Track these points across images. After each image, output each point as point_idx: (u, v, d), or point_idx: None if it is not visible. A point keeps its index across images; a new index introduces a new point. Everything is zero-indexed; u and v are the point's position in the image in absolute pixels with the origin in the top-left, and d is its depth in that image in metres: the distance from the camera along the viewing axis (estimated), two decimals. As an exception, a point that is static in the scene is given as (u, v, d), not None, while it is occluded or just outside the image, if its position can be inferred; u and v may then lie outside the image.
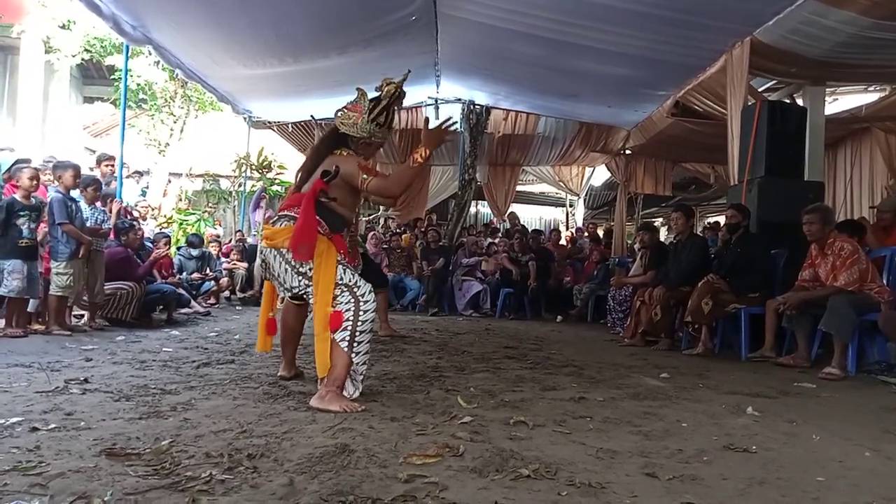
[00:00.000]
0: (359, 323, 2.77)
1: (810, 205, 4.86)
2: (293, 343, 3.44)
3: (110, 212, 6.32)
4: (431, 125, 3.06)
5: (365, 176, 2.91)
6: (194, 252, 8.65)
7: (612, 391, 3.40)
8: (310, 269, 2.85)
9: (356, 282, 2.84)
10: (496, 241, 10.52)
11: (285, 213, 3.01)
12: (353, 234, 3.46)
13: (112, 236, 6.32)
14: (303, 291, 2.92)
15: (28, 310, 5.27)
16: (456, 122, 3.14)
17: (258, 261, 3.17)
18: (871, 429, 2.71)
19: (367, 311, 2.80)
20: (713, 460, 2.14)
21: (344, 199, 3.02)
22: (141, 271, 6.35)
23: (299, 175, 3.18)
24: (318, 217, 2.88)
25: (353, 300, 2.78)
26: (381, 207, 13.37)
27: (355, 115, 3.05)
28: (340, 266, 2.85)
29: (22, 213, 5.08)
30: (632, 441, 2.36)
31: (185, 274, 8.26)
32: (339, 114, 3.11)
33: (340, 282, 2.81)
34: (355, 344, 2.75)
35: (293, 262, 2.87)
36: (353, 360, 2.76)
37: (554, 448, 2.22)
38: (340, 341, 2.75)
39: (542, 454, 2.13)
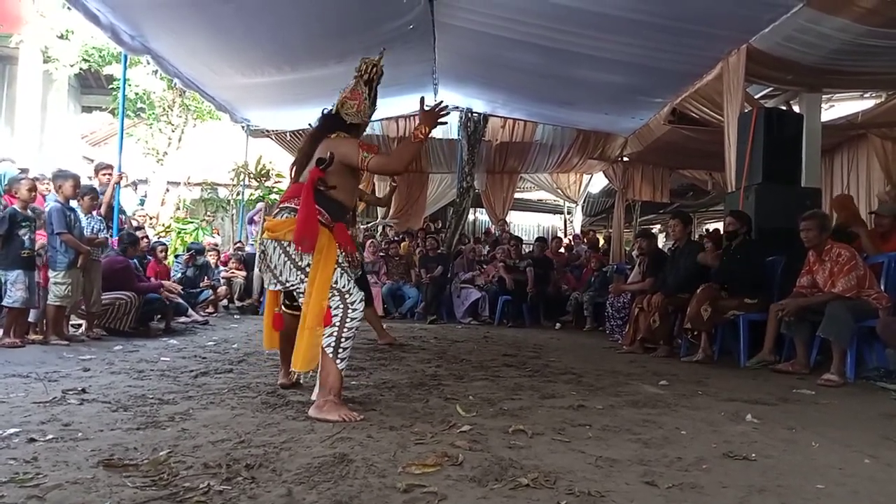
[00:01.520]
0: (345, 330, 2.78)
1: (807, 211, 4.87)
2: (291, 351, 3.43)
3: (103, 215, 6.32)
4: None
5: (366, 154, 2.92)
6: (198, 261, 8.63)
7: (611, 399, 3.40)
8: (308, 265, 2.86)
9: (349, 289, 2.84)
10: (496, 250, 10.52)
11: (285, 204, 3.02)
12: (351, 221, 3.47)
13: (114, 245, 6.33)
14: (295, 288, 2.93)
15: (29, 319, 5.26)
16: (447, 105, 3.21)
17: (257, 252, 3.18)
18: (871, 435, 2.71)
19: (354, 318, 2.81)
20: (712, 468, 2.14)
21: (343, 185, 3.02)
22: (143, 288, 6.35)
23: (296, 163, 3.18)
24: (318, 206, 2.89)
25: (342, 306, 2.79)
26: (380, 215, 13.44)
27: (356, 102, 3.14)
28: (338, 269, 2.85)
29: (24, 224, 5.08)
30: (631, 449, 2.35)
31: (180, 276, 8.26)
32: (342, 103, 3.14)
33: (335, 286, 2.82)
34: (340, 350, 2.77)
35: (293, 256, 2.88)
36: (338, 366, 2.76)
37: (553, 456, 2.22)
38: (326, 347, 2.75)
39: (541, 463, 2.13)
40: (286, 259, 2.91)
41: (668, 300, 5.64)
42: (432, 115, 3.03)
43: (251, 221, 11.22)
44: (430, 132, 3.00)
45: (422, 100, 3.21)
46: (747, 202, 5.83)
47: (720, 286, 5.26)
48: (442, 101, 3.20)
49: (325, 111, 3.22)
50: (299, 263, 2.88)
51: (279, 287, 3.03)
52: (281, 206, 3.06)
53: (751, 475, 2.07)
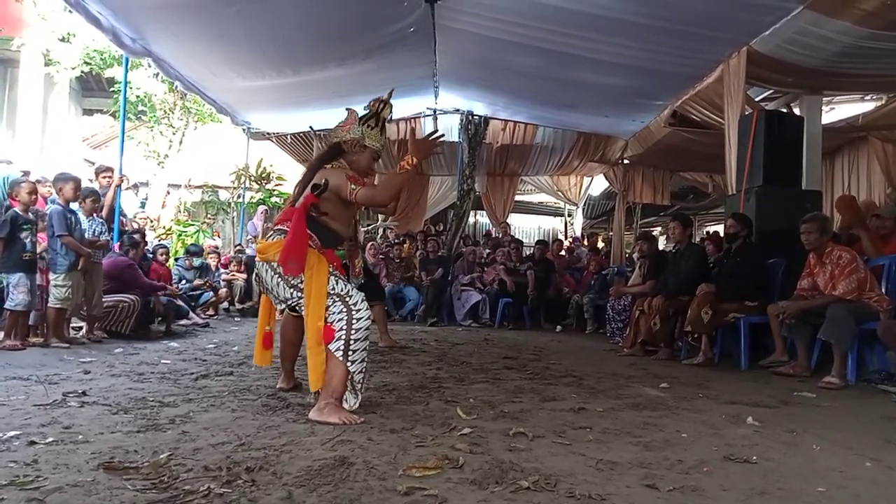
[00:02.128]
0: (353, 332, 2.76)
1: (808, 214, 4.87)
2: (292, 355, 3.44)
3: (103, 216, 6.32)
4: (419, 136, 3.11)
5: (353, 186, 2.91)
6: (194, 262, 8.64)
7: (611, 401, 3.40)
8: (301, 282, 2.85)
9: (348, 291, 2.84)
10: (496, 252, 10.52)
11: (278, 227, 3.03)
12: (352, 245, 3.47)
13: (117, 249, 6.34)
14: (296, 303, 2.93)
15: (29, 322, 5.26)
16: (443, 134, 3.17)
17: (254, 273, 3.18)
18: (872, 438, 2.70)
19: (361, 319, 2.79)
20: (713, 471, 2.13)
21: (336, 213, 3.01)
22: (149, 285, 6.35)
23: (296, 190, 3.19)
24: (310, 231, 2.88)
25: (345, 310, 2.78)
26: (381, 217, 13.46)
27: (349, 127, 3.11)
28: (332, 277, 2.85)
29: (25, 227, 5.09)
30: (632, 452, 2.35)
31: (183, 282, 8.26)
32: (336, 132, 3.15)
33: (332, 292, 2.81)
34: (350, 353, 2.75)
35: (285, 275, 2.88)
36: (350, 368, 2.75)
37: (554, 459, 2.22)
38: (335, 351, 2.74)
39: (541, 466, 2.12)
40: (279, 279, 2.90)
41: (669, 303, 5.63)
42: (425, 146, 3.01)
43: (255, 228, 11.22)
44: (418, 163, 2.98)
45: (412, 130, 3.20)
46: (748, 205, 5.82)
47: (716, 293, 5.25)
48: (436, 130, 3.17)
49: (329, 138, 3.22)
50: (292, 282, 2.88)
51: (283, 306, 3.03)
52: (274, 228, 3.07)
53: (752, 478, 2.07)
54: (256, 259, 3.04)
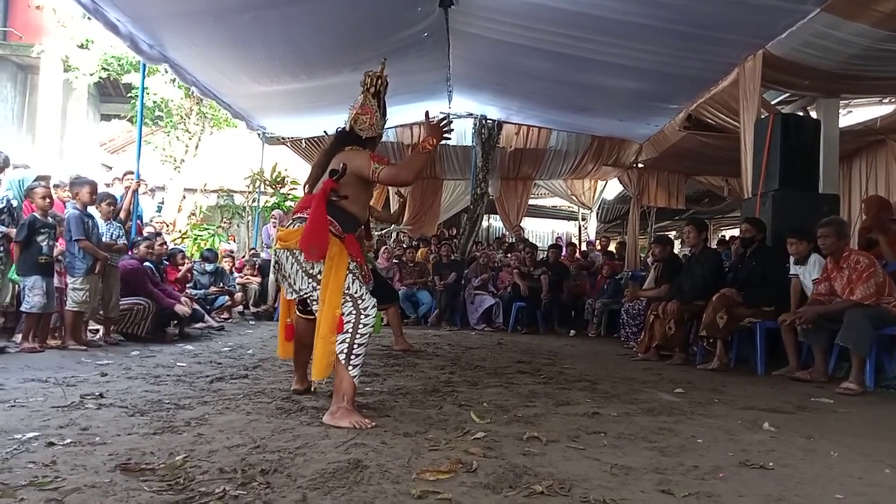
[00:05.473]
0: (357, 336, 2.78)
1: (825, 218, 4.82)
2: (305, 357, 3.45)
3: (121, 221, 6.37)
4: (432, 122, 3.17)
5: (376, 166, 2.93)
6: (208, 267, 8.71)
7: (626, 406, 3.38)
8: (319, 272, 2.87)
9: (361, 294, 2.85)
10: (509, 255, 10.50)
11: (298, 215, 3.05)
12: (365, 235, 3.48)
13: (129, 253, 6.40)
14: (308, 294, 2.94)
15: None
16: (452, 121, 3.23)
17: (272, 262, 3.22)
18: (891, 444, 2.67)
19: (367, 325, 2.82)
20: (729, 477, 2.12)
21: (355, 197, 3.04)
22: (155, 293, 6.38)
23: (310, 176, 3.22)
24: (330, 217, 2.90)
25: (354, 312, 2.80)
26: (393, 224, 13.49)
27: (367, 116, 3.17)
28: (350, 275, 2.86)
29: (42, 231, 5.16)
30: (646, 457, 2.34)
31: (199, 288, 8.32)
32: (355, 119, 3.16)
33: (347, 291, 2.83)
34: (352, 357, 2.77)
35: (304, 264, 2.90)
36: (351, 373, 2.76)
37: (568, 464, 2.21)
38: (339, 354, 2.76)
39: (555, 470, 2.12)
40: (298, 268, 2.93)
41: (684, 307, 5.60)
42: (437, 130, 3.05)
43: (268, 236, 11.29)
44: (437, 144, 3.03)
45: (426, 114, 3.23)
46: (764, 208, 5.78)
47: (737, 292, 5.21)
48: (446, 116, 3.23)
49: (339, 128, 3.25)
50: (311, 271, 2.90)
51: (295, 296, 3.05)
52: (294, 216, 3.09)
53: (768, 484, 2.05)
54: (276, 247, 3.06)
